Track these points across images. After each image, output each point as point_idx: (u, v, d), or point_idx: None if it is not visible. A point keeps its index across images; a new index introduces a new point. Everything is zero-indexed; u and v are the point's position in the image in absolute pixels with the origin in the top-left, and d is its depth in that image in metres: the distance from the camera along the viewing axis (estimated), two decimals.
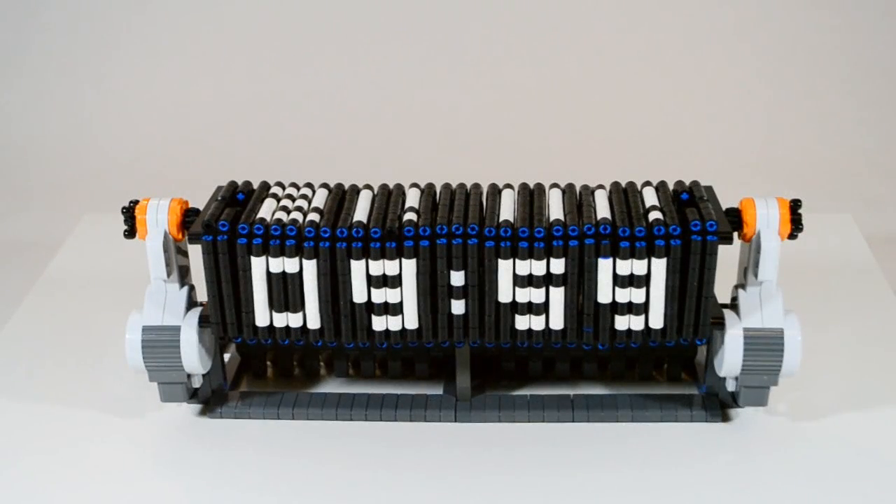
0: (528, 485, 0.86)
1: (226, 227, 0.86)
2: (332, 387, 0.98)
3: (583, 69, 1.65)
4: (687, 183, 0.90)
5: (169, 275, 0.90)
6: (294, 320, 0.88)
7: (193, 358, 0.90)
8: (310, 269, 0.86)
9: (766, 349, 0.86)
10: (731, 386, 0.90)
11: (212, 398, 0.96)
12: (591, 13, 1.63)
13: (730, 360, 0.87)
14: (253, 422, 0.94)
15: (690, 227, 0.83)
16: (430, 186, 0.92)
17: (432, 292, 0.86)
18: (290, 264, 0.85)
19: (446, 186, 0.92)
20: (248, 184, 0.93)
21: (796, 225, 0.86)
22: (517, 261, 0.84)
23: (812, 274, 1.16)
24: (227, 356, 1.02)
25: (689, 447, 0.89)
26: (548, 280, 0.85)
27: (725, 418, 0.92)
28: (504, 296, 0.85)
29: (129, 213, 0.90)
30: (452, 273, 0.85)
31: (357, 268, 0.85)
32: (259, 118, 1.64)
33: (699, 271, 0.84)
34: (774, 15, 1.62)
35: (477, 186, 0.91)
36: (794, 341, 0.86)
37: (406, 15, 1.64)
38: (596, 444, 0.90)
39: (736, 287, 0.90)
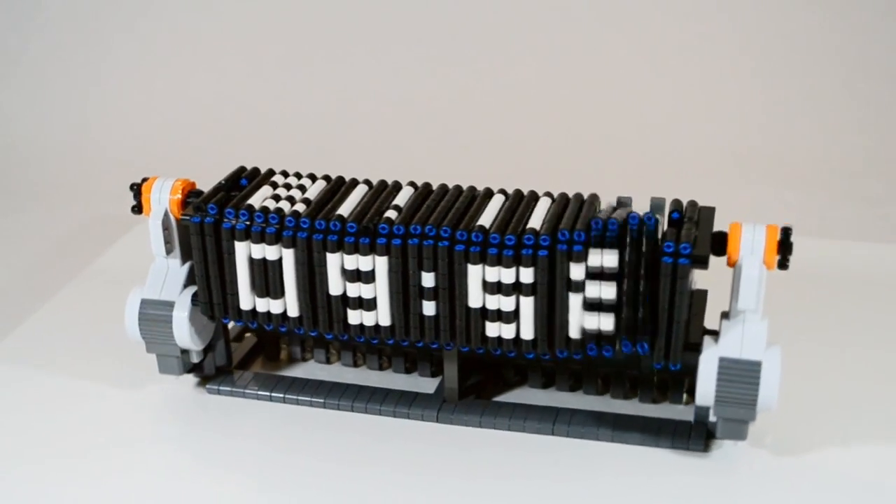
0: (484, 492, 0.85)
1: (213, 210, 0.88)
2: (335, 374, 0.99)
3: (585, 69, 1.65)
4: (685, 202, 0.87)
5: (168, 252, 0.93)
6: (275, 306, 0.89)
7: (184, 334, 0.92)
8: (289, 257, 0.87)
9: (741, 381, 0.82)
10: (711, 416, 0.87)
11: (215, 376, 0.98)
12: (594, 13, 1.65)
13: (702, 388, 0.83)
14: (248, 401, 0.97)
15: (664, 248, 0.80)
16: (427, 186, 0.92)
17: (404, 291, 0.86)
18: (270, 251, 0.87)
19: (442, 187, 0.91)
20: (255, 170, 0.95)
21: (784, 254, 0.82)
22: (486, 267, 0.83)
23: (809, 297, 1.12)
24: (248, 335, 1.05)
25: (663, 473, 0.86)
26: (517, 288, 0.84)
27: (707, 448, 0.88)
28: (474, 301, 0.85)
29: (138, 190, 0.93)
30: (423, 274, 0.85)
31: (332, 260, 0.86)
32: (261, 118, 1.65)
33: (669, 294, 0.81)
34: (774, 15, 1.61)
35: (472, 189, 0.91)
36: (772, 376, 0.82)
37: (419, 16, 1.67)
38: (570, 460, 0.88)
39: (722, 314, 0.86)
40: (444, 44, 1.67)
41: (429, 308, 0.86)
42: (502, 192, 0.90)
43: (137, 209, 0.94)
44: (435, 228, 0.84)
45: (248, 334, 1.05)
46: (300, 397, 0.96)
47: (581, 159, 1.53)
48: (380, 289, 0.86)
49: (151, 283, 0.94)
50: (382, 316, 0.87)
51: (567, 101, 1.63)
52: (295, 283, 0.88)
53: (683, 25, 1.63)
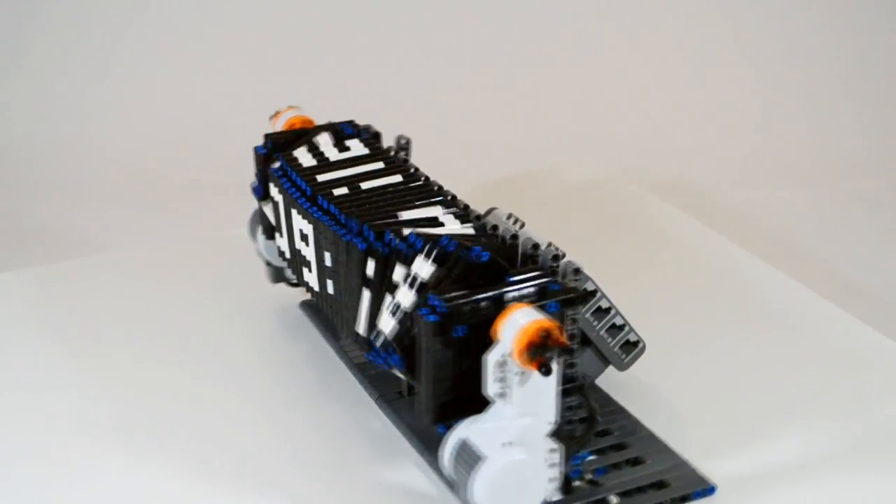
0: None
1: (270, 146, 0.99)
2: None
3: (585, 70, 1.67)
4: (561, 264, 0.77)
5: None
6: (282, 244, 0.98)
7: (261, 246, 1.05)
8: (281, 203, 0.95)
9: (465, 469, 0.73)
10: None
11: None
12: (594, 13, 1.67)
13: (442, 460, 0.75)
14: (306, 322, 1.08)
15: (428, 298, 0.74)
16: (418, 181, 0.91)
17: (320, 263, 0.89)
18: (275, 193, 0.96)
19: (425, 183, 0.91)
20: (355, 127, 1.02)
21: (538, 352, 0.69)
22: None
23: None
24: None
25: None
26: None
27: None
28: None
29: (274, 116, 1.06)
30: (325, 253, 0.88)
31: (295, 216, 0.92)
32: (259, 116, 1.50)
33: (420, 348, 0.75)
34: (775, 15, 1.63)
35: (447, 192, 0.89)
36: (490, 477, 0.72)
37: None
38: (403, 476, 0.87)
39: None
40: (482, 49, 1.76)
41: (331, 286, 0.89)
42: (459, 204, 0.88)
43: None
44: (340, 213, 0.86)
45: None
46: (326, 334, 1.04)
47: (581, 159, 1.46)
48: (310, 254, 0.91)
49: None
50: (313, 280, 0.92)
51: (567, 101, 1.66)
52: (285, 227, 0.96)
53: (683, 26, 1.66)
